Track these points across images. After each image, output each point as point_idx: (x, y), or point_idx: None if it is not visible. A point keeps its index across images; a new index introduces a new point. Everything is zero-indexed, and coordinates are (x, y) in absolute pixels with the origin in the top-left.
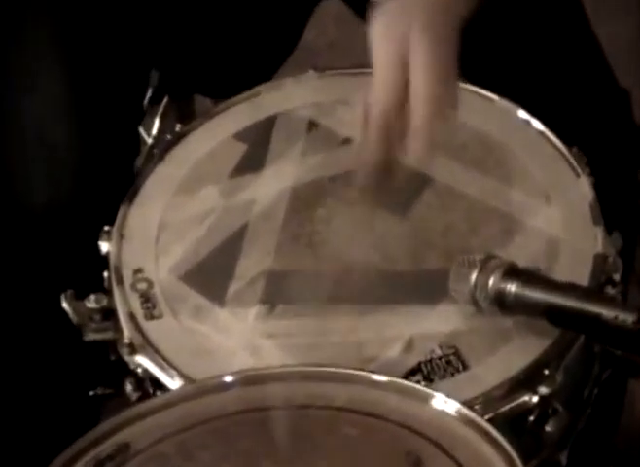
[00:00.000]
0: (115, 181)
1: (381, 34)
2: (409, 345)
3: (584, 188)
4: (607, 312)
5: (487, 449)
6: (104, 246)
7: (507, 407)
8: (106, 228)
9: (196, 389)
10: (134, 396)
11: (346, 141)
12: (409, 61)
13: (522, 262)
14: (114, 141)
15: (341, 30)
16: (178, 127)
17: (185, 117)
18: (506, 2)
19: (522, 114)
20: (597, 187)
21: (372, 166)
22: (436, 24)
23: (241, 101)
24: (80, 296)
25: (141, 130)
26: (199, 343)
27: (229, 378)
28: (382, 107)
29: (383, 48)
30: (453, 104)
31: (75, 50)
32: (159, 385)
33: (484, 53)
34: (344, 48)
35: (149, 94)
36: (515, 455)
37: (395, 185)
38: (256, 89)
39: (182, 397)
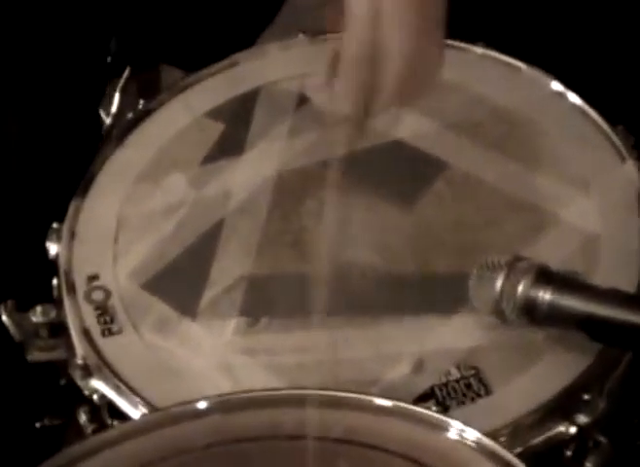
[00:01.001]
0: (67, 170)
1: None
2: (420, 365)
3: (630, 174)
4: None
5: None
6: (53, 248)
7: (539, 439)
8: (55, 225)
9: (162, 418)
10: (89, 427)
11: (343, 119)
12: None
13: (555, 264)
14: (67, 123)
15: None
16: (141, 104)
17: (149, 91)
18: None
19: (556, 85)
20: None
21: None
22: None
23: (217, 72)
24: (23, 307)
25: (100, 110)
26: (166, 363)
27: (201, 405)
28: (354, 48)
29: None
30: (436, 59)
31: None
32: (117, 414)
33: (508, 11)
34: (341, 6)
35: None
36: None
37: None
38: (234, 57)
39: (145, 427)
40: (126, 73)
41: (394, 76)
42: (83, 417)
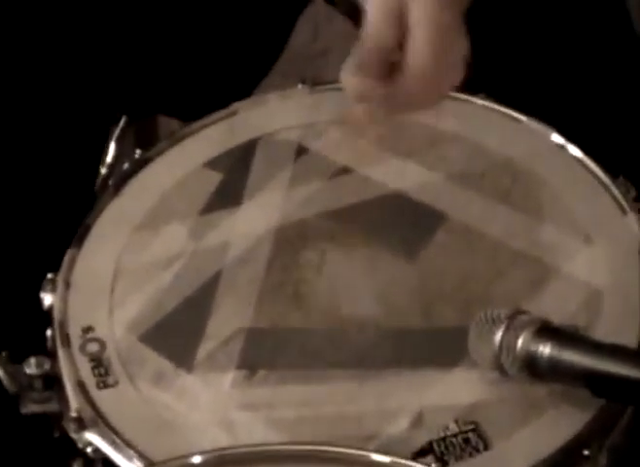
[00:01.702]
0: (62, 220)
1: None
2: (419, 420)
3: (632, 226)
4: None
5: None
6: (47, 298)
7: None
8: (49, 275)
9: None
10: None
11: (343, 170)
12: (410, 14)
13: (557, 318)
14: (63, 173)
15: (336, 34)
16: (138, 154)
17: (146, 141)
18: (536, 11)
19: (556, 137)
20: None
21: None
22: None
23: (215, 122)
24: (17, 359)
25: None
26: (163, 417)
27: (197, 460)
28: (377, 38)
29: (379, 13)
30: (454, 80)
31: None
32: None
33: (512, 65)
34: (341, 56)
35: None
36: None
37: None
38: (233, 106)
39: None
40: (123, 123)
41: (421, 61)
42: None
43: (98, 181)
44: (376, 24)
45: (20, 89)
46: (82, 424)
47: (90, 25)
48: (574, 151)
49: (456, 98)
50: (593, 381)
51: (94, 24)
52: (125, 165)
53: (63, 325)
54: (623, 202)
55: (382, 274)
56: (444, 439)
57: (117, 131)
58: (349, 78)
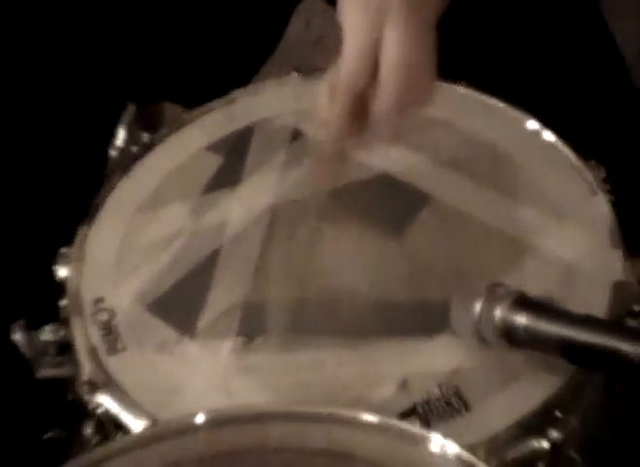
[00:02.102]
0: (75, 199)
1: (352, 13)
2: (404, 385)
3: (601, 207)
4: (628, 347)
5: None
6: (61, 271)
7: (514, 454)
8: (63, 250)
9: (162, 431)
10: (94, 439)
11: (333, 152)
12: (384, 36)
13: (533, 290)
14: (75, 154)
15: (329, 24)
16: (145, 138)
17: (152, 126)
18: (511, 7)
19: (532, 124)
20: (617, 205)
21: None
22: (411, 9)
23: (215, 108)
24: (33, 327)
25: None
26: (167, 380)
27: (198, 419)
28: (351, 78)
29: (356, 16)
30: (427, 96)
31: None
32: (121, 427)
33: (489, 55)
34: (333, 44)
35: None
36: None
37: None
38: (231, 94)
39: (146, 440)
40: (131, 109)
41: (392, 97)
42: (88, 430)
43: (109, 163)
44: (351, 62)
45: (35, 80)
46: (93, 387)
47: (98, 18)
48: (548, 136)
49: (440, 86)
50: (566, 349)
51: (102, 17)
52: (133, 149)
53: (76, 296)
54: (594, 183)
55: (370, 250)
56: (427, 402)
57: (125, 117)
58: (323, 102)
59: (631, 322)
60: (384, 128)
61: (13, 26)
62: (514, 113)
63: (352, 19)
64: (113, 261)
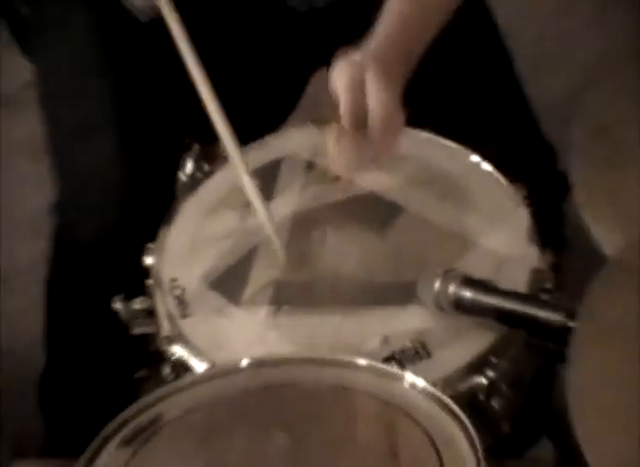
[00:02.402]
0: (157, 209)
1: (342, 70)
2: (386, 340)
3: (523, 215)
4: (542, 313)
5: (448, 421)
6: (147, 260)
7: (462, 387)
8: (149, 245)
9: (218, 371)
10: (169, 378)
11: (336, 178)
12: (366, 90)
13: (475, 273)
14: (156, 182)
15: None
16: (206, 167)
17: (211, 159)
18: (445, 68)
19: (474, 157)
20: (534, 214)
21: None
22: (385, 72)
23: (254, 147)
24: (128, 299)
25: (179, 173)
26: (221, 335)
27: (243, 363)
28: (347, 117)
29: (344, 79)
30: (399, 130)
31: (126, 111)
32: (189, 369)
33: (446, 108)
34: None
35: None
36: (469, 425)
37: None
38: (266, 138)
39: (207, 377)
40: (197, 148)
41: (380, 130)
42: (165, 371)
43: (179, 184)
44: (346, 109)
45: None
46: (169, 341)
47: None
48: (486, 166)
49: (409, 131)
50: (499, 314)
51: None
52: (198, 175)
53: (158, 276)
54: (518, 199)
55: (361, 245)
56: (402, 351)
57: (192, 153)
58: (331, 142)
59: (544, 296)
60: (377, 152)
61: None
62: (463, 150)
63: (341, 83)
64: (184, 252)
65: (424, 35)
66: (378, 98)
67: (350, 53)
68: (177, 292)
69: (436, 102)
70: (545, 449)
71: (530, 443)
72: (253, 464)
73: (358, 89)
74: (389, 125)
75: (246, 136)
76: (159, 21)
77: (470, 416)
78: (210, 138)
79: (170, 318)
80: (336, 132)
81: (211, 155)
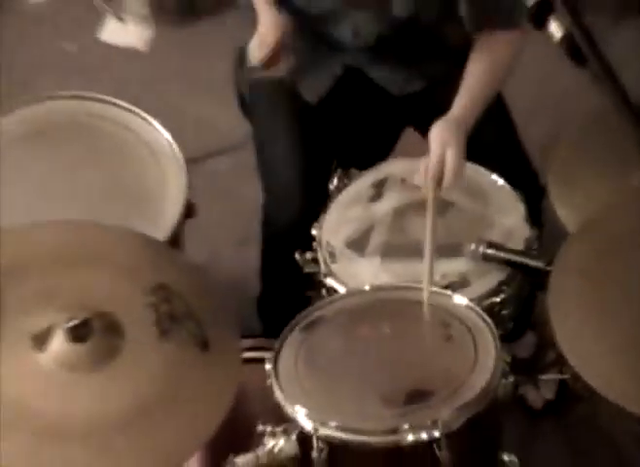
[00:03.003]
0: (319, 205)
1: (435, 138)
2: (444, 277)
3: (520, 208)
4: (531, 262)
5: (479, 322)
6: (314, 231)
7: (486, 303)
8: (315, 224)
9: (352, 292)
10: (325, 296)
11: (417, 188)
12: (446, 153)
13: (494, 239)
14: (319, 190)
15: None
16: (346, 181)
17: (347, 178)
18: None
19: (493, 175)
20: (527, 207)
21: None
22: (460, 143)
23: (371, 170)
24: (303, 252)
25: (330, 184)
26: (353, 272)
27: (366, 287)
28: (434, 169)
29: (436, 147)
30: (461, 175)
31: (307, 150)
32: (335, 291)
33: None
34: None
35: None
36: (491, 323)
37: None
38: (377, 165)
39: (345, 296)
40: (339, 170)
41: (450, 178)
42: (322, 292)
43: (330, 191)
44: (434, 161)
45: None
46: (325, 276)
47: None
48: (500, 180)
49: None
50: (507, 263)
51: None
52: (340, 185)
53: (319, 240)
54: (517, 198)
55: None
56: (454, 282)
57: (336, 174)
58: (420, 172)
59: (532, 252)
60: (448, 186)
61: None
62: (484, 170)
63: (434, 144)
64: (333, 227)
65: (478, 114)
66: (454, 165)
67: (443, 119)
68: (329, 249)
69: (470, 147)
70: (529, 338)
71: (521, 333)
72: (374, 340)
73: (443, 149)
74: (457, 176)
75: (367, 165)
76: (328, 101)
77: (490, 318)
78: (346, 165)
79: (325, 263)
80: (424, 169)
81: (347, 175)
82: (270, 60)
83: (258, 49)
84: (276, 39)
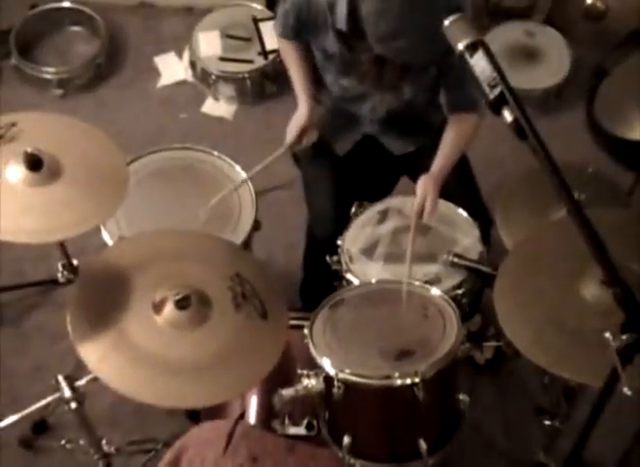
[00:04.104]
0: (342, 226)
1: (420, 187)
2: (425, 276)
3: (475, 232)
4: (483, 268)
5: (447, 307)
6: (338, 242)
7: (452, 293)
8: (340, 237)
9: (363, 284)
10: (345, 286)
11: (408, 216)
12: (427, 198)
13: (460, 252)
14: (343, 216)
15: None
16: (360, 211)
17: (361, 208)
18: None
19: (458, 209)
20: (480, 232)
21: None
22: (436, 191)
23: (377, 204)
24: (331, 256)
25: (350, 212)
26: (365, 272)
27: (373, 281)
28: (418, 205)
29: (420, 194)
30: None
31: (338, 187)
32: (352, 283)
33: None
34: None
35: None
36: (455, 309)
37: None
38: (383, 200)
39: (360, 287)
40: (356, 204)
41: (429, 212)
42: (344, 283)
43: (351, 216)
44: (418, 201)
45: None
46: (345, 272)
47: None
48: (462, 213)
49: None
50: (468, 268)
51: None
52: (358, 212)
53: (342, 248)
54: (473, 225)
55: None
56: (429, 280)
57: (355, 205)
58: (416, 207)
59: (484, 262)
60: (427, 218)
61: None
62: (451, 205)
63: (419, 191)
64: (352, 239)
65: (450, 169)
66: (431, 205)
67: (426, 174)
68: (349, 254)
69: (443, 190)
70: (477, 318)
71: (473, 315)
72: (376, 317)
73: (425, 195)
74: (432, 213)
75: (375, 199)
76: (351, 155)
77: (455, 304)
78: (362, 199)
79: (346, 264)
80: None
81: (362, 206)
82: (297, 141)
83: (290, 130)
84: (304, 125)
